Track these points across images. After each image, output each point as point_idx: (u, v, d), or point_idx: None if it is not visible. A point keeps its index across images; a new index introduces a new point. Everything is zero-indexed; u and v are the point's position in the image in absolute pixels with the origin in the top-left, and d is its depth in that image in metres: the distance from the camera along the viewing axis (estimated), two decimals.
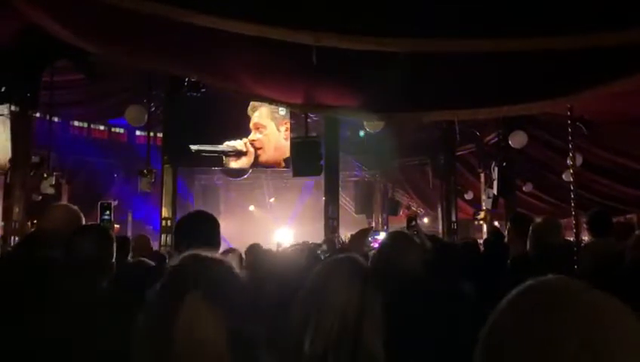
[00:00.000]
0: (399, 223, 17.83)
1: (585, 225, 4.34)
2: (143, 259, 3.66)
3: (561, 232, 3.53)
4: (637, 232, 3.50)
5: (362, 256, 3.75)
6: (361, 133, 14.25)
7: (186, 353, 1.16)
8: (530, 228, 3.42)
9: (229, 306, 1.24)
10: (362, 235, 3.94)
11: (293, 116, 12.95)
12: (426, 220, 19.66)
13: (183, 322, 1.18)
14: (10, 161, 10.44)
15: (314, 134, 11.90)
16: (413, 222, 4.57)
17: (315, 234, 11.87)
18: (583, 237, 5.00)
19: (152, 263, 3.47)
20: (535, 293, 0.74)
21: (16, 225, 10.02)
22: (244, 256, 4.79)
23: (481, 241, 9.90)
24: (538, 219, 3.61)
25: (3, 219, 11.78)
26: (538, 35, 3.08)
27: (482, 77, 4.03)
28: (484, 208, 14.20)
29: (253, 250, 4.92)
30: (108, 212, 10.40)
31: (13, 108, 10.27)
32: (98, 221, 9.36)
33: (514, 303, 0.74)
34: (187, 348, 1.16)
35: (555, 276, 0.75)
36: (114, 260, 2.49)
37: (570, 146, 4.42)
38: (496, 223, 14.34)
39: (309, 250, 4.59)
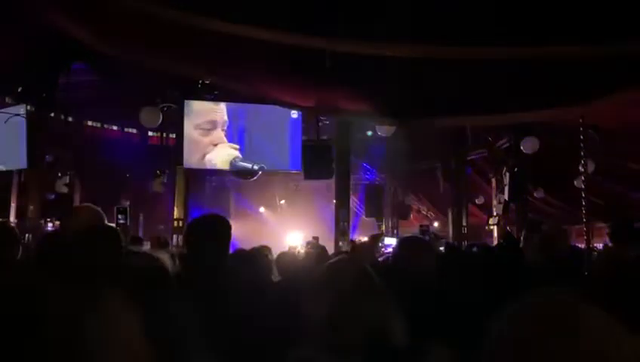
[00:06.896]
0: (409, 227, 17.82)
1: (607, 234, 4.33)
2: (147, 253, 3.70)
3: (568, 239, 3.50)
4: None
5: (374, 261, 3.79)
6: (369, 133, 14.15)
7: (101, 350, 1.12)
8: (538, 235, 3.42)
9: (150, 303, 1.22)
10: (374, 241, 3.99)
11: (304, 119, 12.97)
12: (436, 224, 19.61)
13: (98, 318, 1.15)
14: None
15: (325, 137, 11.92)
16: (427, 236, 4.62)
17: (325, 237, 11.87)
18: (596, 245, 4.99)
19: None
20: (534, 308, 0.77)
21: (30, 223, 10.16)
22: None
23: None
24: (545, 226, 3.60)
25: (16, 217, 11.95)
26: (550, 43, 3.10)
27: (494, 83, 4.05)
28: (495, 213, 14.15)
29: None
30: (122, 216, 10.53)
31: (29, 108, 10.40)
32: (115, 224, 9.49)
33: (514, 317, 0.77)
34: (103, 345, 1.12)
35: (555, 291, 0.79)
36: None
37: (582, 153, 4.43)
38: (508, 228, 14.27)
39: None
